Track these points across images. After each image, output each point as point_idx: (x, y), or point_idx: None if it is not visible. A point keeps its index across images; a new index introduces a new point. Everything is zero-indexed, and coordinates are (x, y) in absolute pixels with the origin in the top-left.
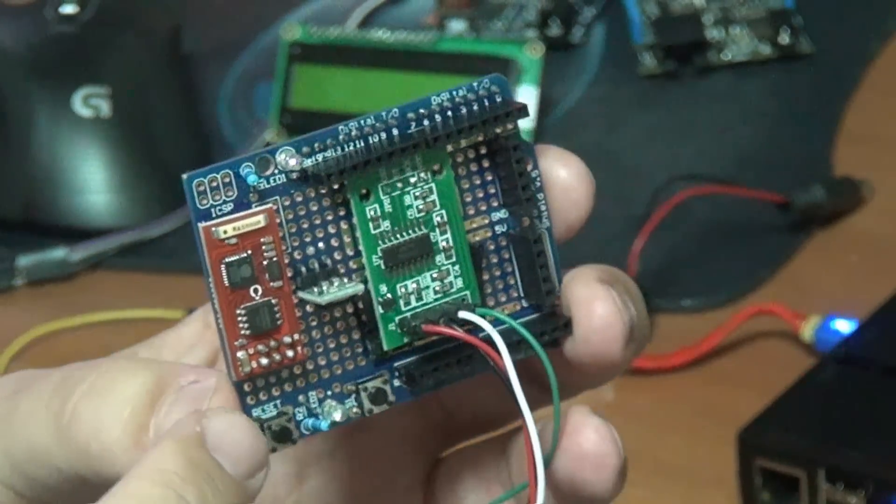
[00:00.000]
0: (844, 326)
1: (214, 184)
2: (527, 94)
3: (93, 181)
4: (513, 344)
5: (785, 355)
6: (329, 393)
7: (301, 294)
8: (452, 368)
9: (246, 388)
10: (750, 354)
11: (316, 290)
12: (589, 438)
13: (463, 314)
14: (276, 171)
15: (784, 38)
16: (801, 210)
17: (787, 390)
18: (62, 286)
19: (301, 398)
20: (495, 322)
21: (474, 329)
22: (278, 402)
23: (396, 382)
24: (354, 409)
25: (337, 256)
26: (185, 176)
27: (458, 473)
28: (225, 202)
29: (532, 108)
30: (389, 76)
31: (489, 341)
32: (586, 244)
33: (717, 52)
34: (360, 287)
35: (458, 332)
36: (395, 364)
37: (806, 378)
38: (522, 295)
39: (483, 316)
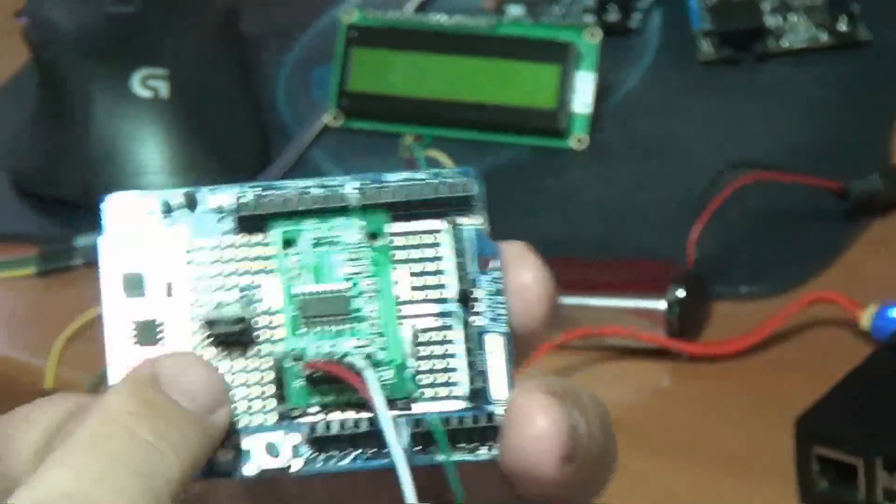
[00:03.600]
0: None
1: (132, 208)
2: (584, 80)
3: (150, 162)
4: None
5: (842, 343)
6: (229, 443)
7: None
8: (356, 451)
9: None
10: (807, 342)
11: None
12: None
13: (349, 359)
14: (201, 208)
15: (842, 26)
16: (857, 198)
17: (844, 378)
18: None
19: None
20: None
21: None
22: None
23: (304, 451)
24: (251, 466)
25: (258, 308)
26: (101, 194)
27: None
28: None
29: (589, 94)
30: (447, 60)
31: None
32: (644, 232)
33: (774, 39)
34: (238, 309)
35: (330, 365)
36: (302, 426)
37: (863, 366)
38: (467, 395)
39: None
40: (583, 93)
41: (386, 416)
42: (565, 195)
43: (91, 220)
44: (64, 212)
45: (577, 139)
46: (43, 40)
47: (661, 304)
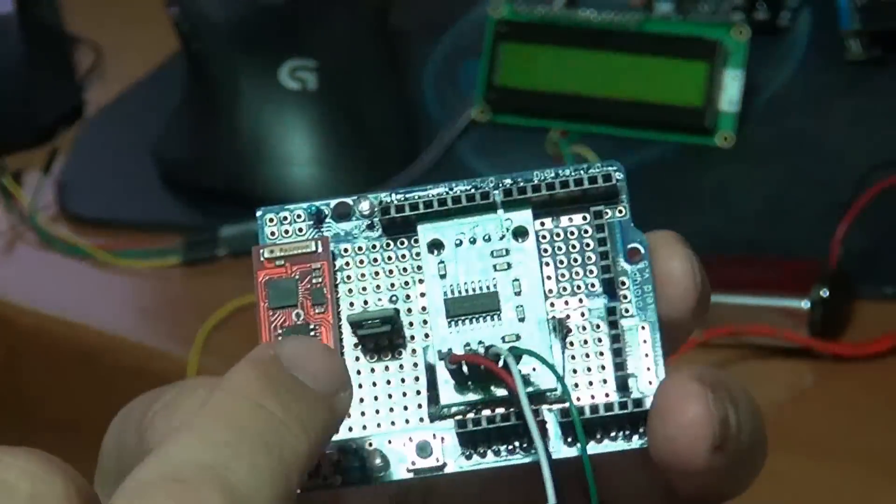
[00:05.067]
0: None
1: (286, 220)
2: (732, 78)
3: (297, 154)
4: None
5: None
6: (381, 446)
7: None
8: (507, 447)
9: None
10: None
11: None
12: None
13: (494, 349)
14: (353, 219)
15: None
16: None
17: None
18: None
19: (353, 445)
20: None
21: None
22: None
23: (456, 449)
24: (405, 468)
25: (407, 311)
26: (258, 207)
27: None
28: (294, 238)
29: (737, 92)
30: (595, 56)
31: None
32: (789, 230)
33: None
34: (390, 308)
35: (473, 357)
36: (453, 424)
37: None
38: (617, 384)
39: (517, 355)
40: (730, 91)
41: (527, 405)
42: (710, 193)
43: (237, 211)
44: (210, 202)
45: (724, 137)
46: (193, 30)
47: (805, 304)
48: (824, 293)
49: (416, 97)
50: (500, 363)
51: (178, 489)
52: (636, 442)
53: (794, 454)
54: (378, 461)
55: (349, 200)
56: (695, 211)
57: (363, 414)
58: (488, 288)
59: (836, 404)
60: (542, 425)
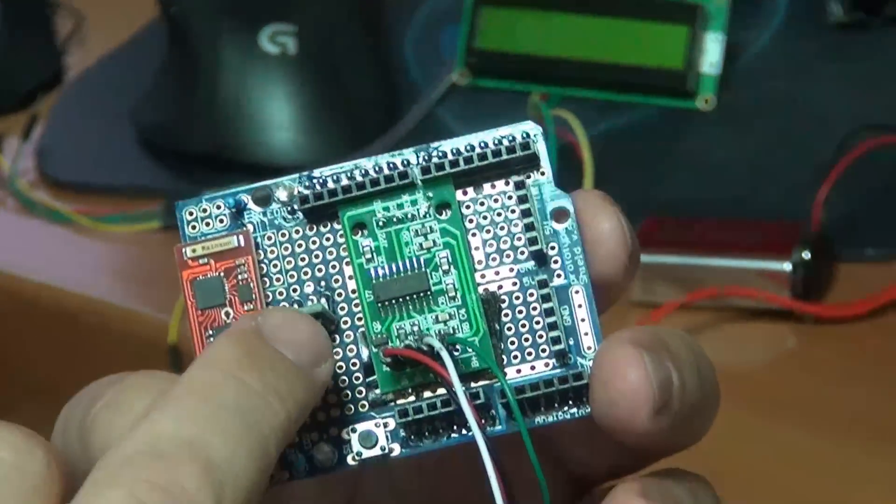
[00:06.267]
0: None
1: (206, 212)
2: (712, 41)
3: (278, 119)
4: (525, 407)
5: None
6: (325, 436)
7: None
8: (451, 427)
9: None
10: None
11: None
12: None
13: (427, 339)
14: (273, 204)
15: None
16: None
17: None
18: None
19: (297, 439)
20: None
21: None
22: None
23: (400, 434)
24: (351, 457)
25: (337, 296)
26: (177, 203)
27: None
28: (216, 230)
29: (717, 55)
30: (575, 19)
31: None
32: (770, 193)
33: None
34: (319, 306)
35: (407, 351)
36: (396, 410)
37: None
38: (555, 353)
39: (452, 344)
40: (711, 54)
41: (463, 398)
42: (692, 156)
43: (217, 175)
44: (190, 166)
45: (705, 100)
46: None
47: (787, 266)
48: (806, 255)
49: (396, 61)
50: (435, 355)
51: (156, 464)
52: (580, 411)
53: (775, 416)
54: (321, 456)
55: (267, 186)
56: (676, 174)
57: None
58: (416, 267)
59: (817, 366)
60: (482, 408)
